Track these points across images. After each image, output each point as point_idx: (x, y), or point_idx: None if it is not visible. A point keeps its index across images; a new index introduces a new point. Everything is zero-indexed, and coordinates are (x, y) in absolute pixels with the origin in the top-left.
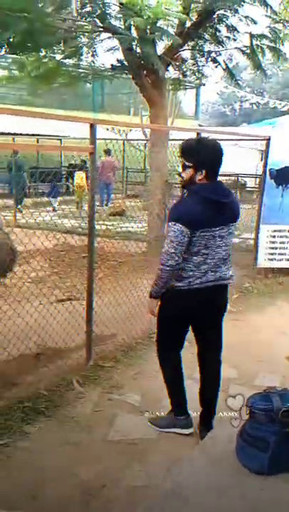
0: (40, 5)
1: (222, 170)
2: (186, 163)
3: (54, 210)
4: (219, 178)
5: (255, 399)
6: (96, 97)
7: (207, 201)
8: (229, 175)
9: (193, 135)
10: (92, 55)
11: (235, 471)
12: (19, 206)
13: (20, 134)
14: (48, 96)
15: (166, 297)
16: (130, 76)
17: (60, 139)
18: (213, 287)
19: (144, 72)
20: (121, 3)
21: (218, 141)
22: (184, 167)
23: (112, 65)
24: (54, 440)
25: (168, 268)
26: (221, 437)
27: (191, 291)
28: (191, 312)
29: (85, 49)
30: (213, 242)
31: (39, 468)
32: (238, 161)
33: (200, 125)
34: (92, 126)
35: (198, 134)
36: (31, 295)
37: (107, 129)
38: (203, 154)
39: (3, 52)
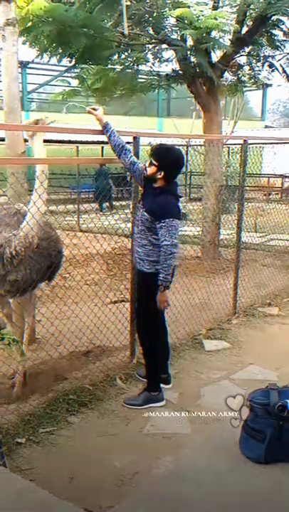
0: (99, 20)
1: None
2: (153, 162)
3: None
4: None
5: (255, 394)
6: (161, 102)
7: (176, 197)
8: None
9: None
10: (152, 64)
11: (237, 459)
12: (104, 210)
13: (90, 142)
14: (114, 103)
15: (157, 278)
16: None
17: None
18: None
19: (200, 79)
20: (176, 16)
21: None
22: (151, 164)
23: (167, 74)
24: (94, 430)
25: (175, 254)
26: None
27: (175, 266)
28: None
29: (150, 57)
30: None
31: (78, 454)
32: None
33: (266, 126)
34: (136, 139)
35: (245, 140)
36: (88, 298)
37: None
38: (165, 160)
39: (69, 64)
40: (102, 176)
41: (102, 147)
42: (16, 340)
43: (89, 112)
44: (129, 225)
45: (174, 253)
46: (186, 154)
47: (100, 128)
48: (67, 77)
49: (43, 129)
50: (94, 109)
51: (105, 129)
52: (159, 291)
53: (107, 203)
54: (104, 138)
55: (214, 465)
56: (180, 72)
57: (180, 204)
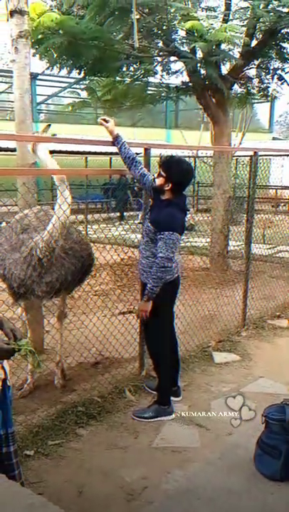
0: (109, 33)
1: None
2: (161, 173)
3: None
4: None
5: (270, 409)
6: (169, 113)
7: (182, 211)
8: None
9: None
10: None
11: (250, 476)
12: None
13: (99, 153)
14: (122, 114)
15: (161, 290)
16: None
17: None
18: (178, 275)
19: (209, 92)
20: (186, 29)
21: (191, 166)
22: (159, 175)
23: (176, 86)
24: (103, 443)
25: (168, 269)
26: (238, 443)
27: (174, 279)
28: (175, 295)
29: (158, 69)
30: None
31: (87, 468)
32: None
33: (274, 138)
34: (147, 151)
35: (255, 152)
36: (97, 308)
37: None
38: (174, 172)
39: (78, 76)
40: (121, 187)
41: (111, 158)
42: (33, 351)
43: (100, 124)
44: (139, 235)
45: (166, 267)
46: (194, 166)
47: (109, 139)
48: (77, 88)
49: (53, 140)
50: (105, 120)
51: (116, 140)
52: (143, 300)
53: (118, 213)
54: (112, 149)
55: (226, 480)
56: (190, 84)
57: (187, 217)
